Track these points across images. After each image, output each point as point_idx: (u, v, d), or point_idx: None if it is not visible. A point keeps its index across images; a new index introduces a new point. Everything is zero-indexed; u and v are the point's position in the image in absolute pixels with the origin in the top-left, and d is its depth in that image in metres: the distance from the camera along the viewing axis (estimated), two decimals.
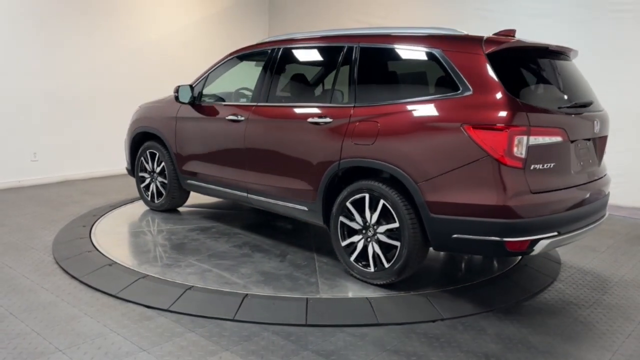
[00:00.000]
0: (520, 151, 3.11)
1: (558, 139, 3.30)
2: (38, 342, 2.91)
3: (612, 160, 6.26)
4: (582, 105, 3.61)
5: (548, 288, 3.90)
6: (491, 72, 3.23)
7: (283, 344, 2.94)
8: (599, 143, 3.84)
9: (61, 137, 7.42)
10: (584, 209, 3.53)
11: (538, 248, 3.20)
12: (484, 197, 3.16)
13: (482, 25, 7.35)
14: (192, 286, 3.60)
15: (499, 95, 3.17)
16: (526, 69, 3.61)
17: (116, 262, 4.03)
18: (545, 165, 3.25)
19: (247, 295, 3.47)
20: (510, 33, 3.60)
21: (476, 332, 3.16)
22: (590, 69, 6.35)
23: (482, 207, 3.16)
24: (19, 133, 6.99)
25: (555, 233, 3.24)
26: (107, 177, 7.86)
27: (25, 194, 6.60)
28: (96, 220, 5.22)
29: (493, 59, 3.27)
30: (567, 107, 3.51)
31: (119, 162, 8.11)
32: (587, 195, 3.59)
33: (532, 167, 3.17)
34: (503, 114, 3.12)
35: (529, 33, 7.02)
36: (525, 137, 3.10)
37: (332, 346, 2.93)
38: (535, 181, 3.19)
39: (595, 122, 3.66)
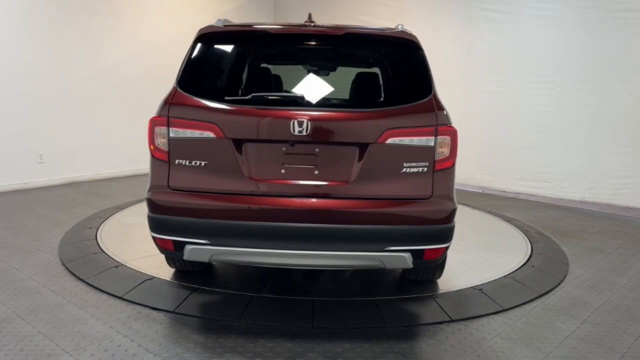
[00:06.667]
0: (162, 143, 3.01)
1: (209, 134, 2.97)
2: (45, 344, 2.91)
3: (620, 161, 6.28)
4: (288, 101, 3.17)
5: (556, 289, 3.87)
6: (190, 59, 3.27)
7: (290, 346, 2.93)
8: (369, 151, 2.95)
9: (67, 139, 7.45)
10: (277, 226, 2.92)
11: (185, 253, 3.00)
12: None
13: (486, 26, 7.34)
14: (198, 288, 3.60)
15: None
16: (221, 56, 3.53)
17: (122, 264, 4.04)
18: (194, 162, 2.99)
19: (253, 297, 3.47)
20: (309, 19, 3.55)
21: (484, 334, 3.14)
22: (596, 70, 6.38)
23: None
24: (26, 135, 7.02)
25: (206, 241, 2.96)
26: (113, 178, 7.88)
27: (32, 196, 6.63)
28: (102, 222, 5.24)
29: (199, 45, 3.31)
30: (234, 100, 3.14)
31: (125, 163, 8.16)
32: (293, 211, 2.94)
33: (176, 162, 3.01)
34: (164, 103, 3.08)
35: (530, 33, 7.02)
36: (165, 129, 2.99)
37: (338, 348, 2.92)
38: (178, 178, 3.01)
39: (298, 122, 2.89)
